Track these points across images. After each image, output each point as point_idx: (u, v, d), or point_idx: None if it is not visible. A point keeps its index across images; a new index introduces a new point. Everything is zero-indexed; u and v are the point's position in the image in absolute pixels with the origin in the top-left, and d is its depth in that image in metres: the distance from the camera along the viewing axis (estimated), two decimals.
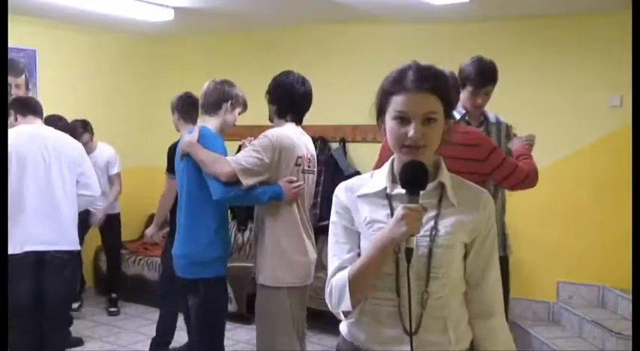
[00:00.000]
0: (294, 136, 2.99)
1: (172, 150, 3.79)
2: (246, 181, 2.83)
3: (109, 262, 5.71)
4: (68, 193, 3.49)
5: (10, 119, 3.55)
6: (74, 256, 3.53)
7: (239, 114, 3.27)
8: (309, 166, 3.07)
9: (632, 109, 2.80)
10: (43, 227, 3.37)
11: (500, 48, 4.83)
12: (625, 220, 3.83)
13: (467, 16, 4.74)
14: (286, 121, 3.03)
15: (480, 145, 2.87)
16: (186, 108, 4.00)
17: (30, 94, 5.42)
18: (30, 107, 3.60)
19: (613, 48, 4.42)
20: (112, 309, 5.54)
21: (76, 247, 3.54)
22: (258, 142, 2.93)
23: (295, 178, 2.96)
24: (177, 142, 3.45)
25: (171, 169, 3.70)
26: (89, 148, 4.91)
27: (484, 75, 3.10)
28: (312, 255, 3.05)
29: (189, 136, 3.07)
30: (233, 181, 2.84)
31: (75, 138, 3.86)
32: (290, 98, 3.03)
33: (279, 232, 2.95)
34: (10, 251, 3.24)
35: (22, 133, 3.43)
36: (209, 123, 3.15)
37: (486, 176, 2.90)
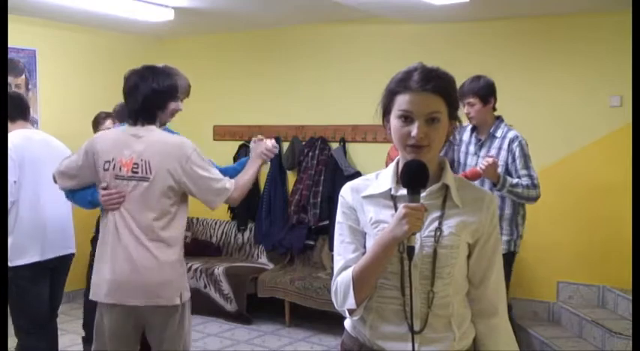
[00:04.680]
0: (114, 138, 2.75)
1: None
2: (61, 184, 2.87)
3: None
4: (62, 197, 3.46)
5: None
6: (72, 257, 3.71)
7: None
8: (130, 172, 2.68)
9: (632, 109, 2.81)
10: (57, 232, 3.52)
11: (500, 48, 4.84)
12: (625, 220, 3.84)
13: (467, 16, 4.74)
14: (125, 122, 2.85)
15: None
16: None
17: (30, 94, 5.43)
18: (19, 111, 3.50)
19: (613, 48, 4.42)
20: None
21: (74, 249, 3.70)
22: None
23: (104, 185, 2.71)
24: None
25: None
26: None
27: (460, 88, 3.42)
28: (111, 275, 2.66)
29: None
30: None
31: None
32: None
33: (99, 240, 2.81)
34: (33, 260, 3.34)
35: (17, 137, 3.36)
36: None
37: None
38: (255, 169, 2.88)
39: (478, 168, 3.39)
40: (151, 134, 2.69)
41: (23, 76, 5.45)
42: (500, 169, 3.47)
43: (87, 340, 4.32)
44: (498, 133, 3.60)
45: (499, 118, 3.67)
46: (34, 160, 3.38)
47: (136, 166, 2.65)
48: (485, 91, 3.57)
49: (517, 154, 3.52)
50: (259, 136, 2.99)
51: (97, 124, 5.15)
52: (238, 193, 2.76)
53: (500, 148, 3.58)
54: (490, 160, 3.36)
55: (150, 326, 2.74)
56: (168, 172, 2.63)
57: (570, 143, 4.64)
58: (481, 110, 3.59)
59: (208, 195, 2.68)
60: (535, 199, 3.53)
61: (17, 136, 3.37)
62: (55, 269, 3.54)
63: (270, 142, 2.93)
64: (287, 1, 4.77)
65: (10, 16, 3.31)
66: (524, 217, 3.75)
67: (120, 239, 2.67)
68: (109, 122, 5.13)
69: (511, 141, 3.55)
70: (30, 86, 5.48)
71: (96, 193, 2.75)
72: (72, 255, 3.69)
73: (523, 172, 3.51)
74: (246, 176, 2.83)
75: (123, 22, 5.46)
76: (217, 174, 2.72)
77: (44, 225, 3.41)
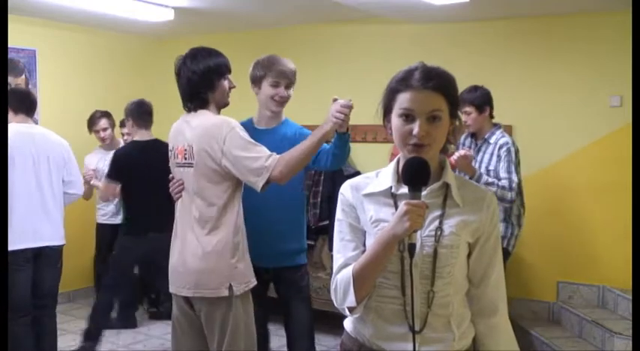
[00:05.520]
0: (175, 128, 2.77)
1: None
2: None
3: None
4: (55, 190, 3.69)
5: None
6: (62, 249, 3.78)
7: None
8: (183, 159, 2.68)
9: (632, 109, 2.81)
10: (36, 224, 3.58)
11: (500, 48, 4.84)
12: (625, 220, 3.84)
13: (467, 16, 4.74)
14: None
15: None
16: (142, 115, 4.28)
17: None
18: (25, 105, 3.67)
19: (613, 48, 4.42)
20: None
21: (64, 241, 3.77)
22: None
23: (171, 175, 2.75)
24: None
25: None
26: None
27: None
28: (171, 265, 2.73)
29: None
30: None
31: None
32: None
33: None
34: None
35: (11, 132, 3.47)
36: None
37: None
38: (313, 139, 2.54)
39: (452, 159, 3.50)
40: (197, 118, 2.63)
41: (23, 76, 5.45)
42: (483, 171, 3.74)
43: (88, 336, 4.28)
44: (492, 140, 3.86)
45: (496, 126, 3.91)
46: (17, 154, 3.51)
47: (185, 152, 2.63)
48: (481, 101, 3.83)
49: (502, 157, 3.76)
50: (334, 97, 2.58)
51: (91, 123, 5.17)
52: (281, 170, 2.46)
53: (492, 154, 3.84)
54: (463, 152, 3.58)
55: (202, 318, 2.64)
56: (208, 155, 2.54)
57: (570, 143, 4.64)
58: (477, 119, 3.86)
59: (249, 176, 2.49)
60: (509, 201, 3.72)
61: (11, 129, 3.49)
62: (37, 260, 3.61)
63: (342, 102, 2.51)
64: (287, 1, 4.77)
65: (10, 16, 3.31)
66: (520, 217, 3.92)
67: (177, 228, 2.70)
68: (103, 121, 5.14)
69: (500, 147, 3.80)
70: (30, 86, 5.48)
71: None
72: (60, 246, 3.74)
73: (504, 175, 3.73)
74: (296, 151, 2.53)
75: (123, 22, 5.46)
76: (258, 151, 2.50)
77: (17, 216, 3.47)
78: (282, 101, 2.97)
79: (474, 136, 3.98)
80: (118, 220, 5.14)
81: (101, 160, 5.10)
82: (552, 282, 4.75)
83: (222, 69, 2.71)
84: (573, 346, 4.20)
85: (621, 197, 4.28)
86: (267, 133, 2.94)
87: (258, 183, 2.48)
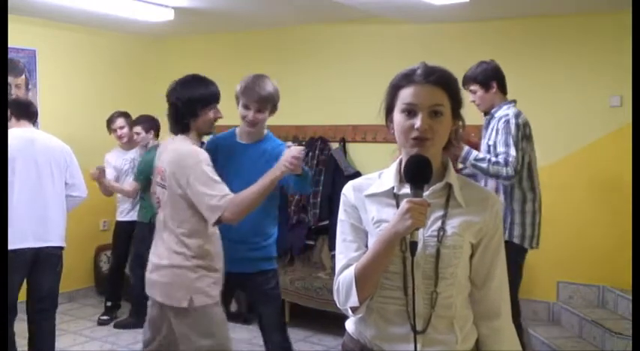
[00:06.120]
0: (161, 148, 2.96)
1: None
2: None
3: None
4: (58, 193, 3.73)
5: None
6: (62, 253, 3.79)
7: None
8: (160, 179, 2.83)
9: (632, 109, 2.81)
10: (36, 226, 3.61)
11: (500, 48, 4.83)
12: (625, 220, 3.84)
13: (467, 16, 4.74)
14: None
15: None
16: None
17: (30, 94, 5.44)
18: (27, 113, 3.76)
19: (613, 48, 4.42)
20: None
21: (64, 243, 3.78)
22: None
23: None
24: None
25: None
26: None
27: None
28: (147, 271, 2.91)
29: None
30: None
31: None
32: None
33: None
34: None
35: (13, 136, 3.55)
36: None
37: None
38: (264, 182, 2.68)
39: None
40: (175, 143, 2.78)
41: (23, 76, 5.45)
42: (484, 148, 3.49)
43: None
44: (498, 114, 3.52)
45: (508, 101, 3.59)
46: (19, 157, 3.55)
47: (163, 173, 2.77)
48: (484, 77, 3.53)
49: (500, 130, 3.41)
50: (288, 143, 2.79)
51: (110, 122, 5.27)
52: (232, 211, 2.60)
53: (493, 128, 3.50)
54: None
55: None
56: (176, 182, 2.68)
57: (570, 143, 4.64)
58: (484, 96, 3.56)
59: (204, 211, 2.64)
60: (506, 178, 3.34)
61: (13, 133, 3.56)
62: (36, 263, 3.63)
63: (294, 150, 2.65)
64: (287, 1, 4.77)
65: (10, 16, 3.31)
66: (525, 203, 3.50)
67: (156, 239, 2.87)
68: (120, 120, 5.24)
69: (499, 119, 3.47)
70: (30, 86, 5.48)
71: None
72: (60, 248, 3.75)
73: (501, 149, 3.38)
74: (247, 192, 2.66)
75: (123, 22, 5.46)
76: (217, 189, 2.62)
77: (16, 218, 3.49)
78: (252, 124, 3.03)
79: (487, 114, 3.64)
80: (134, 216, 5.20)
81: (119, 159, 5.23)
82: (552, 282, 4.75)
83: (208, 99, 2.79)
84: (573, 346, 4.20)
85: (621, 197, 4.28)
86: (248, 148, 3.08)
87: (210, 220, 2.64)
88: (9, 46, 4.04)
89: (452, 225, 1.60)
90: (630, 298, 4.16)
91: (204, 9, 5.03)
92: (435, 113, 1.56)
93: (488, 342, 1.68)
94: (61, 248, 3.76)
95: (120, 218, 5.33)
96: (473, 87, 3.56)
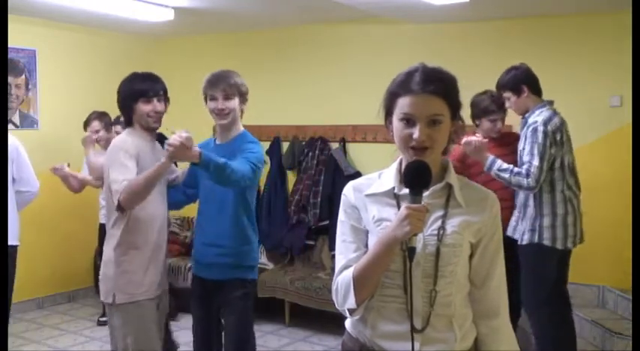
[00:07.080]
0: None
1: None
2: None
3: None
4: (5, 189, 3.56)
5: None
6: (15, 250, 3.69)
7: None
8: None
9: (632, 109, 2.81)
10: None
11: (500, 48, 4.84)
12: (624, 221, 3.84)
13: (467, 16, 4.74)
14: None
15: None
16: None
17: (30, 94, 5.43)
18: None
19: (613, 48, 4.42)
20: None
21: (17, 241, 3.69)
22: None
23: None
24: None
25: None
26: None
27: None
28: None
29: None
30: None
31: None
32: None
33: None
34: None
35: None
36: None
37: None
38: (151, 170, 2.64)
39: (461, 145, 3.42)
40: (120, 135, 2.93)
41: (23, 76, 5.45)
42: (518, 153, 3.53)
43: None
44: (530, 119, 3.51)
45: (542, 103, 3.58)
46: None
47: None
48: (514, 83, 3.56)
49: (527, 138, 3.43)
50: (171, 128, 2.63)
51: (85, 124, 5.11)
52: (124, 196, 2.61)
53: (524, 134, 3.50)
54: (468, 138, 3.42)
55: None
56: (106, 172, 2.80)
57: None
58: (517, 101, 3.59)
59: (112, 196, 2.71)
60: (527, 188, 3.38)
61: None
62: None
63: (179, 135, 2.50)
64: (287, 1, 4.77)
65: (10, 16, 3.31)
66: (555, 206, 3.50)
67: None
68: (95, 123, 5.06)
69: (528, 126, 3.46)
70: (30, 86, 5.48)
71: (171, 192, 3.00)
72: (15, 246, 3.64)
73: (526, 158, 3.41)
74: (136, 180, 2.65)
75: (123, 22, 5.45)
76: (122, 173, 2.65)
77: None
78: (222, 113, 2.94)
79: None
80: None
81: (99, 160, 5.09)
82: None
83: (135, 94, 2.86)
84: None
85: (621, 197, 4.28)
86: (218, 149, 2.98)
87: (115, 204, 2.68)
88: (9, 46, 4.03)
89: (452, 224, 1.61)
90: (630, 298, 4.16)
91: (204, 9, 5.03)
92: (434, 122, 1.56)
93: (486, 341, 1.69)
94: (15, 246, 3.61)
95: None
96: (506, 94, 3.61)
